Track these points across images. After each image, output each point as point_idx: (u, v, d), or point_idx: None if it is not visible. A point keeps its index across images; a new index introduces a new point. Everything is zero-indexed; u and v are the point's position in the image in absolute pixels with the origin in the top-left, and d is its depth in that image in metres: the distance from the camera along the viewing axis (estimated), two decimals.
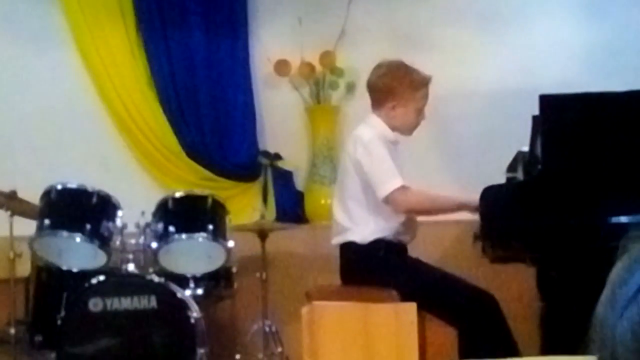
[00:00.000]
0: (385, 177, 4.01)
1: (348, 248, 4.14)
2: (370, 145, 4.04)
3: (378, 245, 4.08)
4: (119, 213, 4.66)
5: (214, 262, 4.69)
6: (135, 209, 4.64)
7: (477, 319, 3.95)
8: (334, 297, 4.10)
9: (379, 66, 4.25)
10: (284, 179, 5.67)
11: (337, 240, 4.20)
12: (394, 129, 4.18)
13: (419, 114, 4.20)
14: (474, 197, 3.91)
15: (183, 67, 5.62)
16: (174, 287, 4.46)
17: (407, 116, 4.17)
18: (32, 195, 4.74)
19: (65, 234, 4.58)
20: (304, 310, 4.06)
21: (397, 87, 4.14)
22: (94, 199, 4.63)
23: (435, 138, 5.51)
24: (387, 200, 4.01)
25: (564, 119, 3.72)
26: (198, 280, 4.69)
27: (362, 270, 4.09)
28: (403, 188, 4.01)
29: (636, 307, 0.87)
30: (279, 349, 4.88)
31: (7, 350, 4.72)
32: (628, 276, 0.89)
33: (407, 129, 4.24)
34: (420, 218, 4.34)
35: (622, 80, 4.37)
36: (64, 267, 4.62)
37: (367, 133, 4.10)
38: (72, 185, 4.69)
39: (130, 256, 4.60)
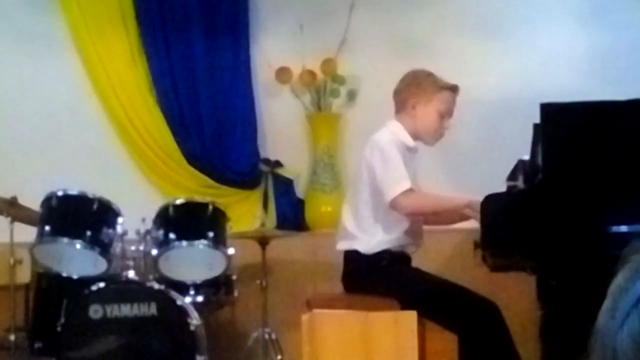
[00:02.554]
0: (392, 181, 3.99)
1: (352, 256, 4.13)
2: (385, 149, 4.02)
3: (382, 255, 4.07)
4: (120, 220, 4.66)
5: (214, 270, 4.69)
6: (135, 215, 4.64)
7: (478, 326, 3.93)
8: (334, 304, 4.09)
9: (404, 75, 4.28)
10: (284, 186, 5.66)
11: (342, 245, 4.18)
12: (415, 135, 4.17)
13: (441, 119, 4.17)
14: (478, 197, 3.90)
15: (184, 74, 5.63)
16: (174, 294, 4.46)
17: (428, 118, 4.15)
18: (33, 201, 4.74)
19: (65, 240, 4.58)
20: (304, 317, 4.06)
21: (418, 85, 4.17)
22: (95, 206, 4.63)
23: (435, 146, 5.50)
24: (392, 204, 3.99)
25: (565, 127, 3.72)
26: (198, 288, 4.70)
27: (364, 279, 4.08)
28: (410, 191, 3.99)
29: (637, 317, 0.87)
30: (279, 357, 4.87)
31: (6, 356, 4.72)
32: (629, 286, 0.89)
33: (429, 134, 4.20)
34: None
35: (623, 89, 4.36)
36: (64, 274, 4.62)
37: (384, 137, 4.09)
38: (73, 191, 4.70)
39: (131, 263, 4.60)
